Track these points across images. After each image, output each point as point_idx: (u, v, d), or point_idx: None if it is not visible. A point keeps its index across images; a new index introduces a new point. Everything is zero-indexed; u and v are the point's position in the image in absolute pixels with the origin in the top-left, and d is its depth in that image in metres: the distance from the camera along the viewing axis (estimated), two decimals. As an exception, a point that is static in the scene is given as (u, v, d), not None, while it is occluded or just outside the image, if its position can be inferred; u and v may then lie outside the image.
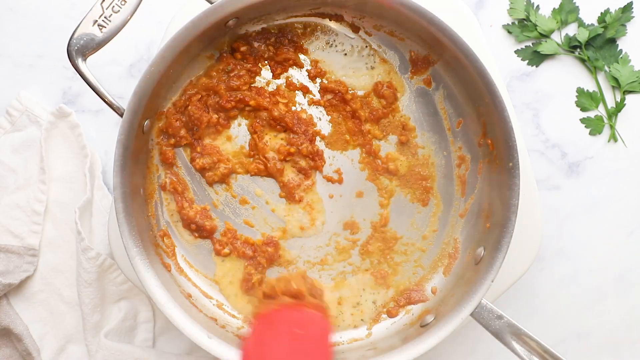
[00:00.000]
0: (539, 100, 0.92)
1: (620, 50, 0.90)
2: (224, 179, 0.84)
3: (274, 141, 0.84)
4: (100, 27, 0.72)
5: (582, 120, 0.91)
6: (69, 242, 0.91)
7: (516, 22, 0.92)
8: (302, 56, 0.84)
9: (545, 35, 0.91)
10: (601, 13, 0.91)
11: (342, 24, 0.84)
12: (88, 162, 0.90)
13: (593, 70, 0.91)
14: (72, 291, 0.90)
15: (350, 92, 0.85)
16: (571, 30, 0.92)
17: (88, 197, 0.89)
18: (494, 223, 0.77)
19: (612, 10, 0.90)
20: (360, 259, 0.85)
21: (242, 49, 0.83)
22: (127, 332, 0.90)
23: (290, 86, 0.84)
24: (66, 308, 0.91)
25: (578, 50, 0.91)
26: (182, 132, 0.82)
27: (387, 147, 0.84)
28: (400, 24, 0.81)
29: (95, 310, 0.88)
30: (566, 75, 0.92)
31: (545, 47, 0.90)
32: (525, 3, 0.91)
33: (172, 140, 0.82)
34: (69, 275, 0.91)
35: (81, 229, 0.87)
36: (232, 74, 0.82)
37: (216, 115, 0.82)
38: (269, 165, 0.83)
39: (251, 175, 0.85)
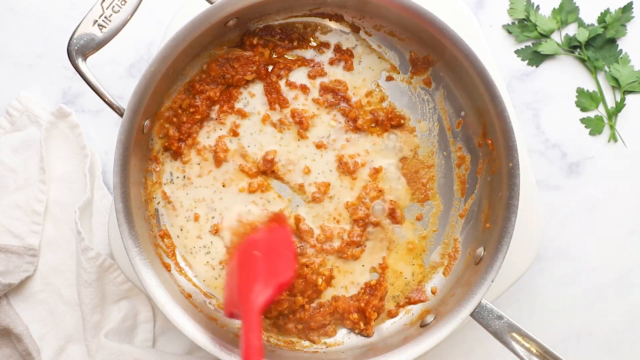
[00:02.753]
0: (539, 100, 0.92)
1: (620, 50, 0.90)
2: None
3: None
4: (101, 27, 0.72)
5: (582, 120, 0.91)
6: (69, 242, 0.91)
7: (516, 22, 0.92)
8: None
9: (545, 35, 0.91)
10: (601, 13, 0.91)
11: (342, 24, 0.84)
12: (88, 162, 0.90)
13: (593, 70, 0.91)
14: (72, 291, 0.90)
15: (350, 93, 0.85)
16: (571, 30, 0.91)
17: (88, 197, 0.89)
18: (493, 223, 0.77)
19: (612, 10, 0.90)
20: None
21: (254, 41, 0.83)
22: (127, 332, 0.90)
23: (291, 86, 0.84)
24: (66, 308, 0.91)
25: (578, 50, 0.91)
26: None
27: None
28: (400, 24, 0.82)
29: (95, 310, 0.88)
30: (566, 75, 0.92)
31: (545, 47, 0.90)
32: (525, 3, 0.91)
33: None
34: (69, 275, 0.91)
35: (81, 229, 0.87)
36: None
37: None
38: None
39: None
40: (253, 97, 0.84)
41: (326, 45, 0.85)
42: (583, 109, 0.92)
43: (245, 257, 0.77)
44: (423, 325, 0.79)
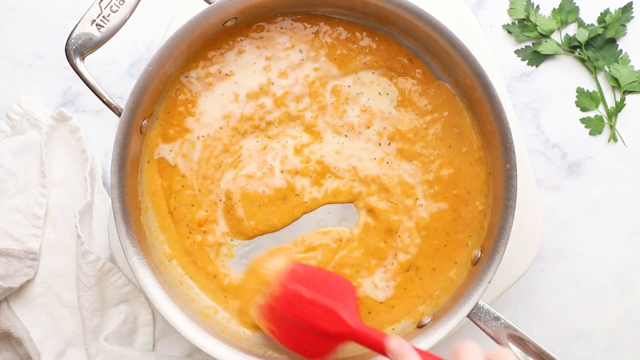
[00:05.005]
0: (539, 100, 0.92)
1: (620, 50, 0.90)
2: None
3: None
4: (99, 27, 0.73)
5: (582, 120, 0.91)
6: (69, 246, 0.91)
7: (516, 22, 0.92)
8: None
9: (545, 35, 0.91)
10: (601, 13, 0.90)
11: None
12: (88, 165, 0.90)
13: (593, 70, 0.91)
14: (73, 295, 0.90)
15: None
16: (571, 30, 0.91)
17: (88, 200, 0.89)
18: (491, 224, 0.77)
19: (612, 10, 0.90)
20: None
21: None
22: (127, 336, 0.90)
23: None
24: (66, 312, 0.91)
25: (578, 50, 0.91)
26: None
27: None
28: (397, 25, 0.81)
29: (95, 314, 0.88)
30: (566, 75, 0.92)
31: (545, 47, 0.90)
32: (525, 3, 0.91)
33: None
34: (69, 279, 0.91)
35: (81, 232, 0.87)
36: None
37: None
38: None
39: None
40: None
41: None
42: (583, 109, 0.91)
43: (296, 299, 0.74)
44: (420, 327, 0.79)
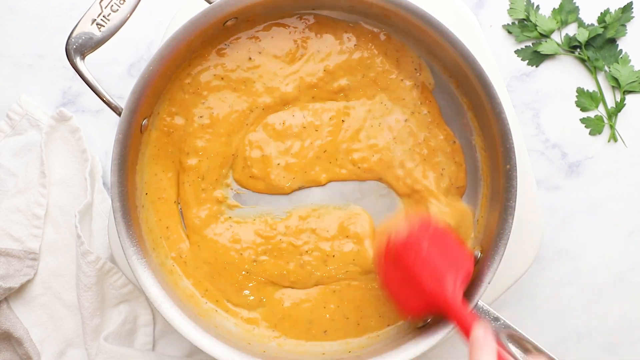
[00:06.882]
0: (539, 100, 0.92)
1: (620, 50, 0.90)
2: None
3: None
4: (99, 26, 0.73)
5: (582, 120, 0.91)
6: (69, 246, 0.91)
7: (516, 22, 0.92)
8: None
9: (545, 35, 0.91)
10: (601, 13, 0.90)
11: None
12: (88, 165, 0.90)
13: (593, 70, 0.91)
14: (73, 295, 0.90)
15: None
16: (571, 30, 0.91)
17: (88, 200, 0.89)
18: (491, 224, 0.77)
19: (612, 10, 0.90)
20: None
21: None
22: (127, 336, 0.90)
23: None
24: (66, 312, 0.91)
25: (578, 50, 0.91)
26: None
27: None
28: (397, 25, 0.81)
29: (95, 314, 0.88)
30: (566, 75, 0.92)
31: (545, 47, 0.90)
32: (525, 3, 0.91)
33: None
34: (69, 279, 0.91)
35: (81, 232, 0.87)
36: None
37: None
38: None
39: None
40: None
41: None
42: (583, 109, 0.91)
43: (412, 254, 0.74)
44: (420, 327, 0.79)
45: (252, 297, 0.83)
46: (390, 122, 0.83)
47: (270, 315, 0.83)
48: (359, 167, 0.83)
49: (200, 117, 0.82)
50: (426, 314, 0.76)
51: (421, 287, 0.72)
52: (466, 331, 0.67)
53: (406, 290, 0.74)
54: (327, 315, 0.82)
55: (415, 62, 0.82)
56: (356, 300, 0.82)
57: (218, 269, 0.83)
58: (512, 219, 0.73)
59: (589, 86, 0.91)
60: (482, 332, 0.63)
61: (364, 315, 0.82)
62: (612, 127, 0.91)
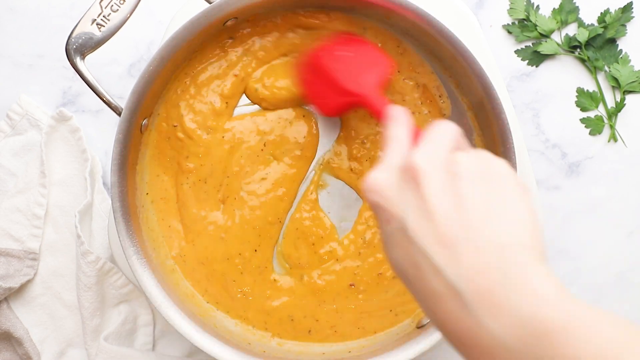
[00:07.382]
0: (539, 100, 0.92)
1: (620, 50, 0.90)
2: None
3: None
4: (99, 26, 0.73)
5: (582, 120, 0.91)
6: (69, 246, 0.91)
7: (516, 22, 0.92)
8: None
9: (545, 35, 0.91)
10: (601, 13, 0.90)
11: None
12: (88, 165, 0.90)
13: (593, 70, 0.91)
14: (73, 295, 0.90)
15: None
16: (571, 30, 0.91)
17: (88, 200, 0.89)
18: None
19: (612, 10, 0.90)
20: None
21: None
22: (127, 336, 0.90)
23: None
24: (66, 312, 0.91)
25: (578, 50, 0.91)
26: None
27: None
28: (397, 25, 0.81)
29: (94, 314, 0.88)
30: (566, 75, 0.92)
31: (545, 47, 0.90)
32: (525, 3, 0.91)
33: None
34: (69, 279, 0.91)
35: (81, 232, 0.87)
36: None
37: None
38: None
39: None
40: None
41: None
42: (583, 109, 0.91)
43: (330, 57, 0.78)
44: (420, 327, 0.79)
45: (250, 298, 0.83)
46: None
47: (269, 316, 0.83)
48: (356, 174, 0.83)
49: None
50: (345, 110, 0.79)
51: (339, 86, 0.74)
52: (379, 114, 0.67)
53: (324, 91, 0.77)
54: (327, 316, 0.83)
55: (415, 63, 0.83)
56: (356, 300, 0.82)
57: (216, 269, 0.83)
58: (512, 219, 0.73)
59: (589, 86, 0.91)
60: (398, 110, 0.60)
61: (364, 316, 0.82)
62: (612, 127, 0.91)
